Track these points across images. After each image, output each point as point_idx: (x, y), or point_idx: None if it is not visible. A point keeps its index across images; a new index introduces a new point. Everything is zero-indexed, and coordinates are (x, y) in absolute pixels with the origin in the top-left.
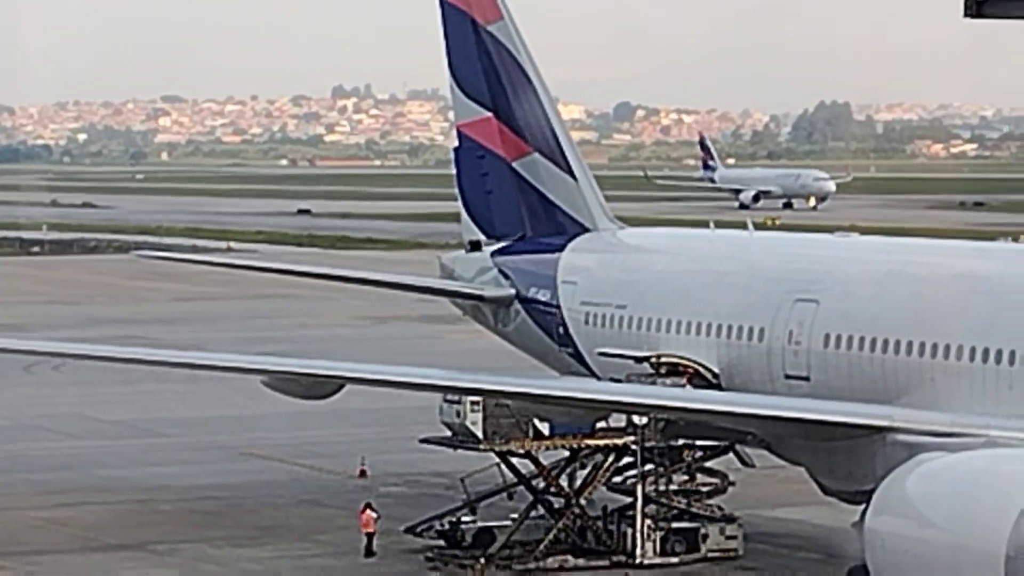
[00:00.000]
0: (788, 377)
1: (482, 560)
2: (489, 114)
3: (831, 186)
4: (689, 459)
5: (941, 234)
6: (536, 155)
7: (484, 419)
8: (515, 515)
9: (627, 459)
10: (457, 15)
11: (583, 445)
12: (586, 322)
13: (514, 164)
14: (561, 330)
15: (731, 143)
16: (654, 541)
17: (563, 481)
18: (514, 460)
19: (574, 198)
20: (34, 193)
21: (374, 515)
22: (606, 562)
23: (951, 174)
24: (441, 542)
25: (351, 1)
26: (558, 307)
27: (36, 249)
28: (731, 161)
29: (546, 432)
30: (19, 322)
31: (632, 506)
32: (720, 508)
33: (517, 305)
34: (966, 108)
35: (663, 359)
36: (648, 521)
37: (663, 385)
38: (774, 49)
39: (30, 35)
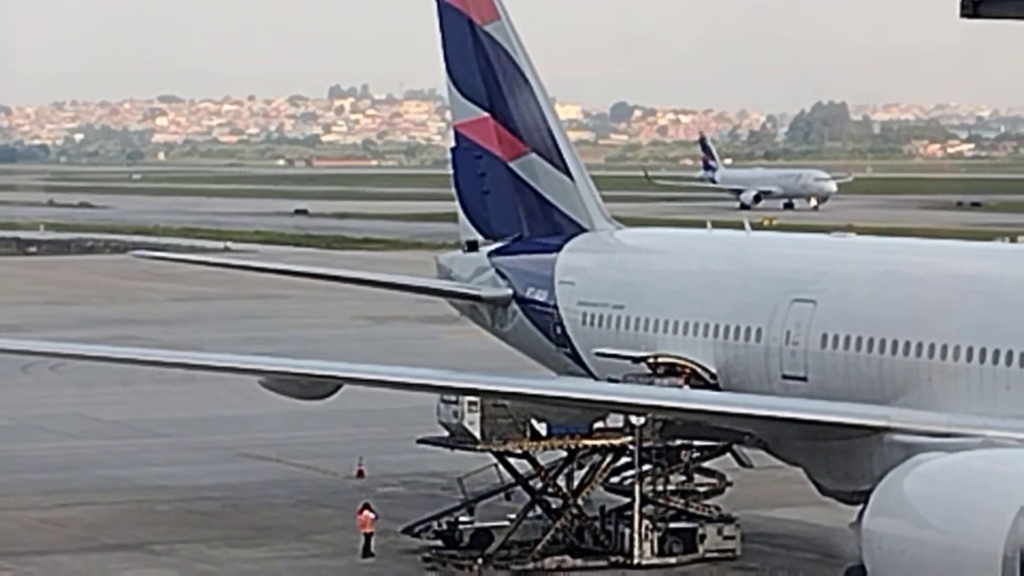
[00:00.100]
0: (785, 377)
1: (480, 560)
2: (486, 114)
3: (832, 186)
4: (687, 459)
5: (938, 234)
6: (533, 155)
7: (482, 419)
8: (513, 515)
9: (625, 459)
10: (454, 15)
11: (581, 445)
12: (583, 322)
13: (511, 164)
14: (558, 330)
15: (728, 143)
16: (652, 541)
17: (561, 481)
18: (512, 460)
19: (571, 198)
20: (31, 193)
21: (372, 515)
22: (604, 562)
23: (948, 174)
24: (439, 542)
25: (348, 1)
26: (555, 307)
27: (33, 249)
28: (728, 161)
29: (544, 432)
30: (16, 322)
31: (630, 506)
32: (718, 508)
33: (514, 305)
34: (963, 108)
35: (660, 359)
36: (646, 521)
37: (660, 385)
38: (771, 49)
39: (27, 35)
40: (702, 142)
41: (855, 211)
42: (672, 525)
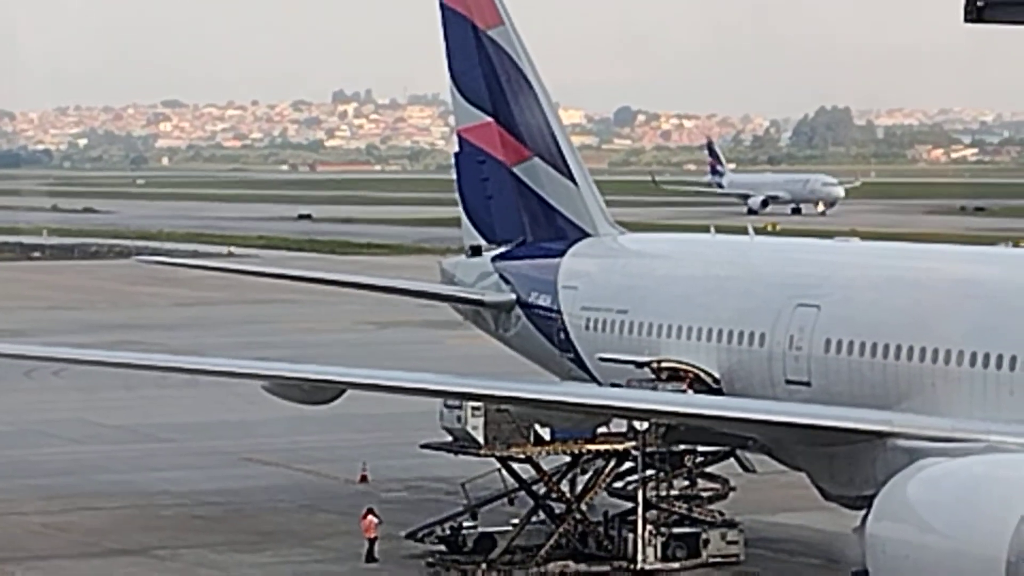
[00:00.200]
0: (789, 382)
1: (483, 565)
2: (489, 119)
3: (840, 191)
4: (690, 464)
5: (942, 239)
6: (536, 160)
7: (485, 424)
8: (516, 520)
9: (628, 464)
10: (457, 20)
11: (584, 450)
12: (587, 327)
13: (515, 169)
14: (562, 335)
15: (732, 148)
16: (655, 546)
17: (564, 486)
18: (515, 465)
19: (575, 203)
20: (35, 198)
21: (375, 520)
22: (607, 567)
23: (952, 179)
24: (442, 547)
25: (351, 5)
26: (559, 312)
27: (37, 254)
28: (732, 166)
29: (547, 437)
30: (19, 327)
31: (633, 511)
32: (721, 513)
33: (518, 310)
34: (967, 113)
35: (664, 364)
36: (649, 526)
37: (664, 390)
38: (775, 54)
39: (31, 40)
40: (709, 147)
41: (861, 216)
42: (675, 530)
